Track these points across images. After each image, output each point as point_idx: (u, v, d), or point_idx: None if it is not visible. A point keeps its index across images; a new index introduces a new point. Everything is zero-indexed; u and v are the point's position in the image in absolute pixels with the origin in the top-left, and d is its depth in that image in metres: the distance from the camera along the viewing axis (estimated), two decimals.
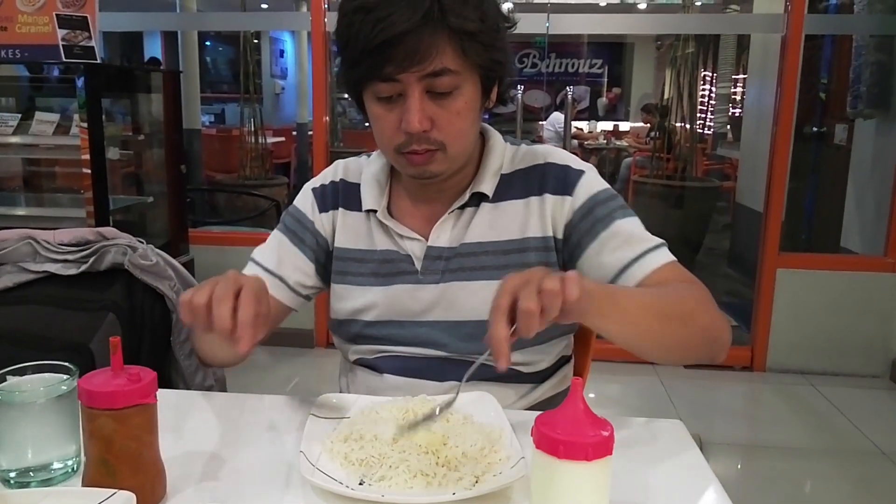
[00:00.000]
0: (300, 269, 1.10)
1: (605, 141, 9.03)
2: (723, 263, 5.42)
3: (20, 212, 3.01)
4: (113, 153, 2.77)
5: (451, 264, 1.05)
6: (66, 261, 1.37)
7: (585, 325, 0.88)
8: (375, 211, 1.07)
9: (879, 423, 2.83)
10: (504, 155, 1.08)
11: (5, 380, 0.78)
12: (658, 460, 0.86)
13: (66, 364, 0.79)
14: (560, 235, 1.04)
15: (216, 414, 0.98)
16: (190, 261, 3.14)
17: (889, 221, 3.25)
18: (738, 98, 8.36)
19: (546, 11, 3.30)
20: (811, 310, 3.26)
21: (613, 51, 11.97)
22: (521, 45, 9.99)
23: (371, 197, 1.08)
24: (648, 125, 7.94)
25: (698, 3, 6.93)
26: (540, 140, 7.16)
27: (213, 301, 0.76)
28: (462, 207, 1.05)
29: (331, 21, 3.30)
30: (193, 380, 1.42)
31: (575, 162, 1.07)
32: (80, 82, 2.55)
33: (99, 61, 2.68)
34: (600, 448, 0.62)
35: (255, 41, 6.68)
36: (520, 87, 3.79)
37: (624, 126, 10.27)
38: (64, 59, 2.63)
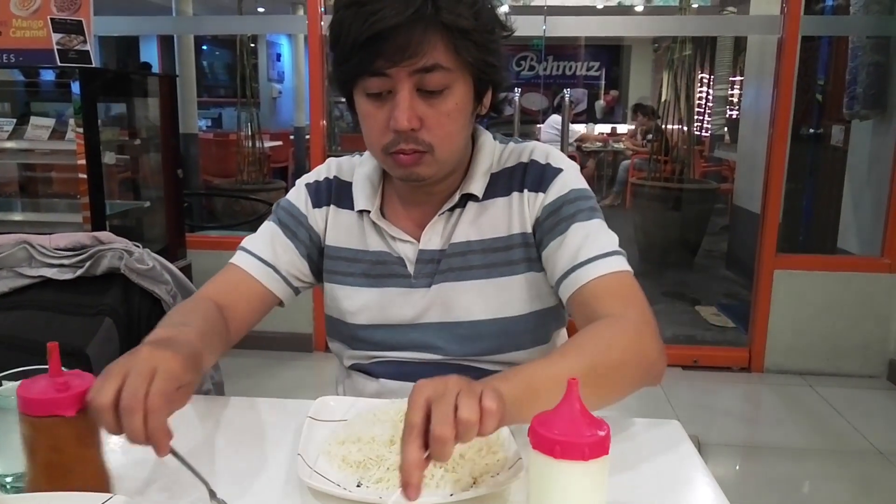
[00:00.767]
0: (293, 262, 1.09)
1: (600, 144, 9.05)
2: (720, 265, 5.43)
3: (16, 217, 3.00)
4: (109, 158, 2.76)
5: (441, 266, 1.04)
6: (62, 265, 1.37)
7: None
8: (368, 211, 1.06)
9: (877, 423, 2.83)
10: (493, 154, 1.07)
11: (1, 384, 0.78)
12: (656, 461, 0.86)
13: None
14: (530, 231, 1.04)
15: (214, 418, 0.98)
16: (187, 265, 3.14)
17: (886, 222, 3.25)
18: (735, 100, 8.39)
19: (543, 14, 3.29)
20: (809, 311, 3.27)
21: (610, 53, 11.99)
22: (518, 47, 10.02)
23: (364, 197, 1.07)
24: (643, 126, 7.95)
25: (695, 6, 6.95)
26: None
27: (122, 410, 0.67)
28: (452, 209, 1.05)
29: (327, 24, 3.29)
30: None
31: (556, 160, 1.05)
32: (75, 87, 2.54)
33: (94, 66, 2.67)
34: (597, 447, 0.62)
35: (252, 45, 6.69)
36: (517, 90, 3.78)
37: (622, 128, 10.29)
38: (59, 64, 2.62)
